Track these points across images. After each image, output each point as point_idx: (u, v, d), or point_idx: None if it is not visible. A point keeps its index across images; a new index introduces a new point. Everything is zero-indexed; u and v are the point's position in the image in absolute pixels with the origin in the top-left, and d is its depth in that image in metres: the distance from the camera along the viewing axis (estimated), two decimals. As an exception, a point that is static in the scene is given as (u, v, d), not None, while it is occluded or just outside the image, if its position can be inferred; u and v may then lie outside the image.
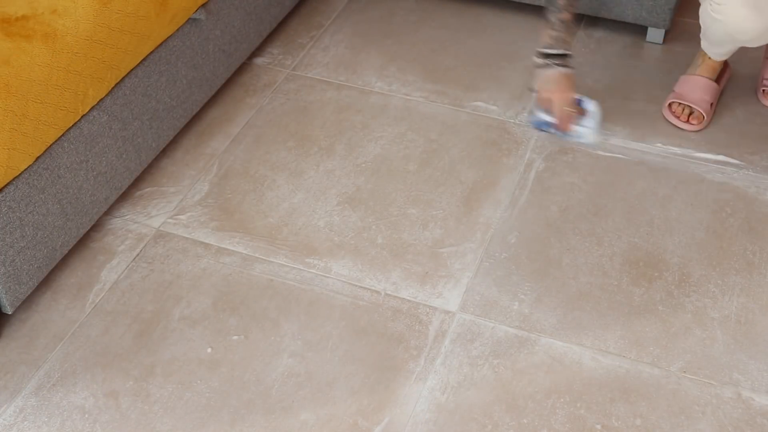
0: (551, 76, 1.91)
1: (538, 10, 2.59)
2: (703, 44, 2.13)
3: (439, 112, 2.25)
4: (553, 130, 1.94)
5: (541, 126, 1.95)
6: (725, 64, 2.23)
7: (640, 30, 2.50)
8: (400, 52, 2.45)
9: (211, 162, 2.13)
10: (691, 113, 2.17)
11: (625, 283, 1.82)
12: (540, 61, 1.93)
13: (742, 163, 2.09)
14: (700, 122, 2.16)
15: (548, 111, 1.93)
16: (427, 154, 2.13)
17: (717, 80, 2.20)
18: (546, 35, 1.92)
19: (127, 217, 1.99)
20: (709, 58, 2.17)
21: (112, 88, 1.85)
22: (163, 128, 2.05)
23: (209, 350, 1.71)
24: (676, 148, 2.12)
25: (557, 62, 1.91)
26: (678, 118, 2.17)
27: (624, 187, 2.03)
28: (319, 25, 2.57)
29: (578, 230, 1.93)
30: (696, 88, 2.18)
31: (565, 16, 1.90)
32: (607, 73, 2.35)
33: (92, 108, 1.81)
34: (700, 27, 2.08)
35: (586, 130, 1.92)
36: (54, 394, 1.65)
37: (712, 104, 2.18)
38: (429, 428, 1.58)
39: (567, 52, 1.92)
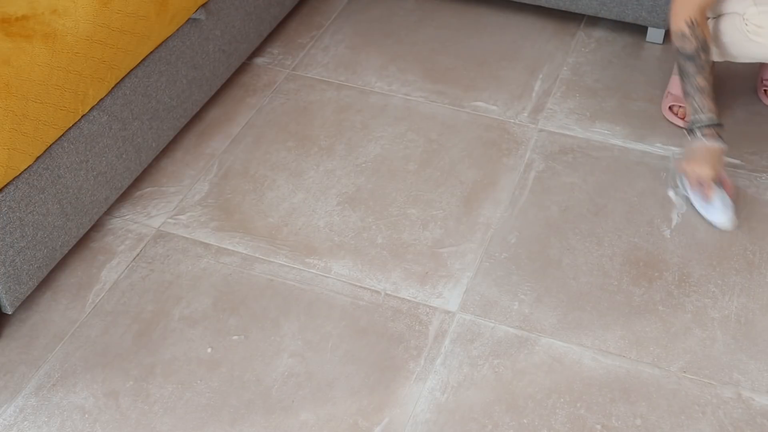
0: (696, 148, 1.91)
1: (539, 10, 2.59)
2: (714, 53, 2.10)
3: (439, 112, 2.25)
4: (692, 202, 1.96)
5: (680, 194, 1.99)
6: None
7: (640, 30, 2.50)
8: (400, 52, 2.45)
9: (211, 162, 2.13)
10: None
11: (625, 283, 1.82)
12: (688, 135, 1.94)
13: (742, 163, 2.09)
14: None
15: (687, 182, 1.95)
16: (427, 154, 2.13)
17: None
18: (688, 107, 1.93)
19: (127, 217, 1.99)
20: None
21: (112, 88, 1.85)
22: (163, 128, 2.05)
23: (209, 350, 1.71)
24: (676, 148, 2.12)
25: (703, 132, 1.90)
26: (683, 119, 2.17)
27: (624, 187, 2.03)
28: (319, 25, 2.57)
29: (578, 230, 1.93)
30: None
31: (700, 81, 1.89)
32: (607, 73, 2.35)
33: (92, 108, 1.81)
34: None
35: (721, 210, 1.92)
36: (54, 394, 1.65)
37: None
38: (429, 428, 1.58)
39: (713, 122, 1.90)
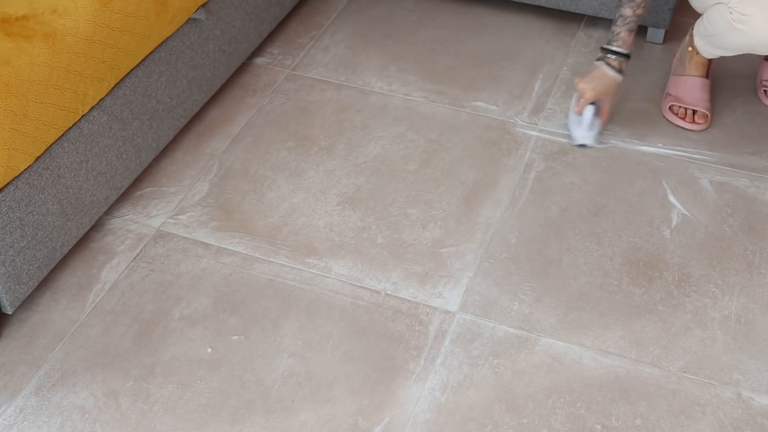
0: (594, 68, 2.05)
1: (539, 10, 2.59)
2: (702, 46, 2.12)
3: (439, 112, 2.25)
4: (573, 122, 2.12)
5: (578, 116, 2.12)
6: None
7: (640, 30, 2.49)
8: (400, 52, 2.45)
9: (211, 162, 2.13)
10: (695, 113, 2.17)
11: (625, 283, 1.82)
12: (599, 54, 2.06)
13: (743, 163, 2.09)
14: (706, 121, 2.16)
15: (577, 100, 2.08)
16: (427, 154, 2.13)
17: (707, 75, 2.20)
18: (611, 30, 2.03)
19: (127, 217, 1.99)
20: (697, 54, 2.16)
21: (112, 88, 1.85)
22: (163, 128, 2.05)
23: (209, 350, 1.71)
24: (676, 148, 2.12)
25: (606, 59, 2.02)
26: (683, 119, 2.17)
27: (624, 187, 2.03)
28: (319, 25, 2.57)
29: (578, 230, 1.93)
30: (693, 89, 2.18)
31: (626, 11, 1.98)
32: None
33: (92, 108, 1.81)
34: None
35: (584, 127, 2.11)
36: (54, 394, 1.65)
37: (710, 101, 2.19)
38: (429, 428, 1.58)
39: (620, 53, 2.02)
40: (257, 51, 2.47)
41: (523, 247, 1.90)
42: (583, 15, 2.55)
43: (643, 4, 1.97)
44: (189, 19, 2.04)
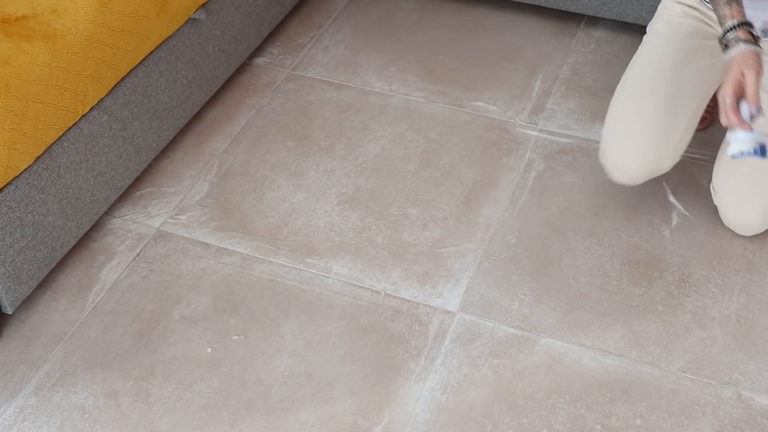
0: (731, 58, 1.61)
1: (539, 10, 2.59)
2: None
3: (439, 112, 2.25)
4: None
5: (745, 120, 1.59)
6: None
7: (640, 30, 2.49)
8: (400, 52, 2.45)
9: (211, 162, 2.13)
10: None
11: (625, 283, 1.82)
12: (720, 47, 1.65)
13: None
14: (704, 123, 2.16)
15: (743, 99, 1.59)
16: (427, 154, 2.13)
17: None
18: (719, 11, 1.65)
19: (127, 217, 1.99)
20: None
21: (112, 88, 1.85)
22: (163, 128, 2.05)
23: (209, 350, 1.71)
24: (676, 148, 2.13)
25: (736, 39, 1.61)
26: None
27: (624, 187, 2.03)
28: (319, 25, 2.57)
29: (578, 230, 1.93)
30: None
31: None
32: (607, 73, 2.35)
33: (92, 108, 1.81)
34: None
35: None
36: (54, 394, 1.65)
37: (712, 106, 2.18)
38: (429, 428, 1.58)
39: (739, 22, 1.61)
40: (257, 51, 2.47)
41: (523, 247, 1.90)
42: (583, 15, 2.55)
43: None
44: (189, 19, 2.04)
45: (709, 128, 2.18)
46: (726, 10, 1.64)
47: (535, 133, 2.18)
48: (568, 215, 1.97)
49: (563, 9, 2.48)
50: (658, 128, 1.79)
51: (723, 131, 2.16)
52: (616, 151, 1.82)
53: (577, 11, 2.45)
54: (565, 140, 2.15)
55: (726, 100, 1.58)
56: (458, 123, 2.22)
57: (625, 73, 1.92)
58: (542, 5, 2.51)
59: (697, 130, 2.17)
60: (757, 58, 1.59)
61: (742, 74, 1.58)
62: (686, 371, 1.66)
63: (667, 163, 1.81)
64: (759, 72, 1.57)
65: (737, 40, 1.61)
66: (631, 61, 1.93)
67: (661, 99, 1.80)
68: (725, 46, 1.64)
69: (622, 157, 1.81)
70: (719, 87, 1.63)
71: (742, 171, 1.81)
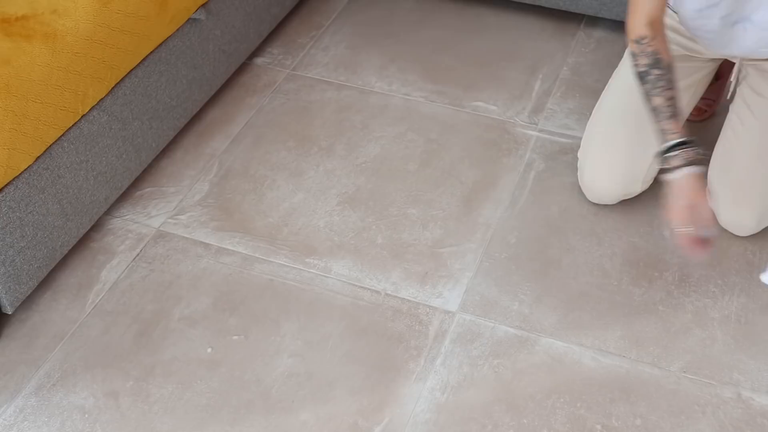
0: (676, 185, 1.57)
1: (539, 10, 2.59)
2: None
3: (439, 112, 2.25)
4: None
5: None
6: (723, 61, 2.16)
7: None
8: (400, 52, 2.45)
9: (211, 162, 2.13)
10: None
11: (625, 283, 1.82)
12: (660, 164, 1.60)
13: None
14: (702, 115, 2.16)
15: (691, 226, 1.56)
16: (427, 154, 2.13)
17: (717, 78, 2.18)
18: (661, 125, 1.60)
19: (127, 217, 1.99)
20: None
21: (112, 88, 1.85)
22: (163, 128, 2.05)
23: (209, 350, 1.71)
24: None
25: (680, 159, 1.56)
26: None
27: (624, 187, 2.03)
28: (319, 25, 2.57)
29: (578, 230, 1.93)
30: None
31: (657, 101, 1.60)
32: (607, 73, 2.34)
33: (92, 108, 1.81)
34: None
35: None
36: (54, 394, 1.65)
37: (711, 99, 2.17)
38: (429, 428, 1.58)
39: (681, 140, 1.57)
40: (257, 51, 2.47)
41: (523, 247, 1.90)
42: (583, 15, 2.55)
43: (670, 86, 1.60)
44: (189, 19, 2.04)
45: (710, 128, 2.18)
46: (668, 125, 1.59)
47: (535, 133, 2.18)
48: (568, 215, 1.97)
49: (563, 9, 2.48)
50: (628, 155, 1.86)
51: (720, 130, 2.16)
52: (589, 174, 1.90)
53: (577, 11, 2.45)
54: (565, 140, 2.15)
55: (679, 230, 1.57)
56: (458, 123, 2.22)
57: (602, 94, 1.97)
58: (542, 5, 2.51)
59: (694, 121, 2.16)
60: (702, 180, 1.57)
61: (691, 201, 1.56)
62: (686, 371, 1.66)
63: (637, 187, 1.90)
64: (705, 195, 1.56)
65: (681, 160, 1.56)
66: (609, 81, 1.98)
67: (632, 126, 1.86)
68: (664, 162, 1.59)
69: (594, 181, 1.90)
70: (669, 209, 1.59)
71: (736, 172, 1.81)
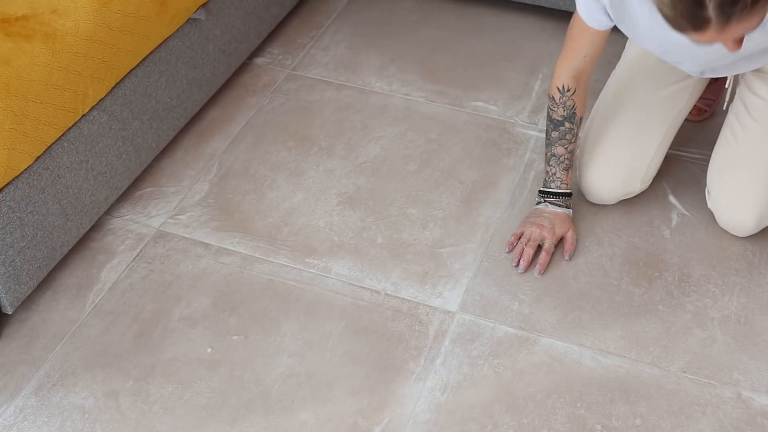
0: (540, 209, 1.86)
1: (538, 10, 2.59)
2: None
3: (439, 112, 2.25)
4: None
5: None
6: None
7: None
8: (400, 52, 2.45)
9: (211, 162, 2.13)
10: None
11: (625, 283, 1.82)
12: (538, 198, 1.89)
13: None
14: (702, 115, 2.16)
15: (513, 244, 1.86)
16: (427, 154, 2.13)
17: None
18: (546, 171, 1.87)
19: (127, 217, 1.99)
20: None
21: (112, 88, 1.85)
22: (163, 128, 2.05)
23: (209, 350, 1.71)
24: (676, 148, 2.12)
25: (553, 202, 1.86)
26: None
27: (624, 187, 2.03)
28: (319, 25, 2.57)
29: (578, 230, 1.93)
30: None
31: (559, 150, 1.83)
32: (607, 73, 2.35)
33: (92, 108, 1.81)
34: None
35: None
36: (54, 394, 1.65)
37: (711, 99, 2.17)
38: (429, 428, 1.58)
39: (566, 192, 1.86)
40: (257, 51, 2.47)
41: (523, 247, 1.90)
42: (583, 15, 2.55)
43: (574, 140, 1.83)
44: (189, 19, 2.04)
45: (710, 128, 2.18)
46: (562, 175, 1.85)
47: (535, 133, 2.18)
48: (568, 215, 1.97)
49: (563, 9, 2.48)
50: (627, 155, 1.88)
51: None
52: (588, 174, 1.91)
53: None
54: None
55: (531, 246, 1.83)
56: (458, 123, 2.22)
57: (601, 94, 1.98)
58: (542, 5, 2.51)
59: (694, 121, 2.17)
60: (563, 217, 1.86)
61: (566, 232, 1.85)
62: (686, 371, 1.66)
63: (636, 186, 1.91)
64: (550, 231, 1.83)
65: (565, 205, 1.87)
66: (608, 81, 1.99)
67: (631, 126, 1.88)
68: (542, 198, 1.87)
69: (593, 181, 1.90)
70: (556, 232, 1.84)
71: (735, 172, 1.82)
